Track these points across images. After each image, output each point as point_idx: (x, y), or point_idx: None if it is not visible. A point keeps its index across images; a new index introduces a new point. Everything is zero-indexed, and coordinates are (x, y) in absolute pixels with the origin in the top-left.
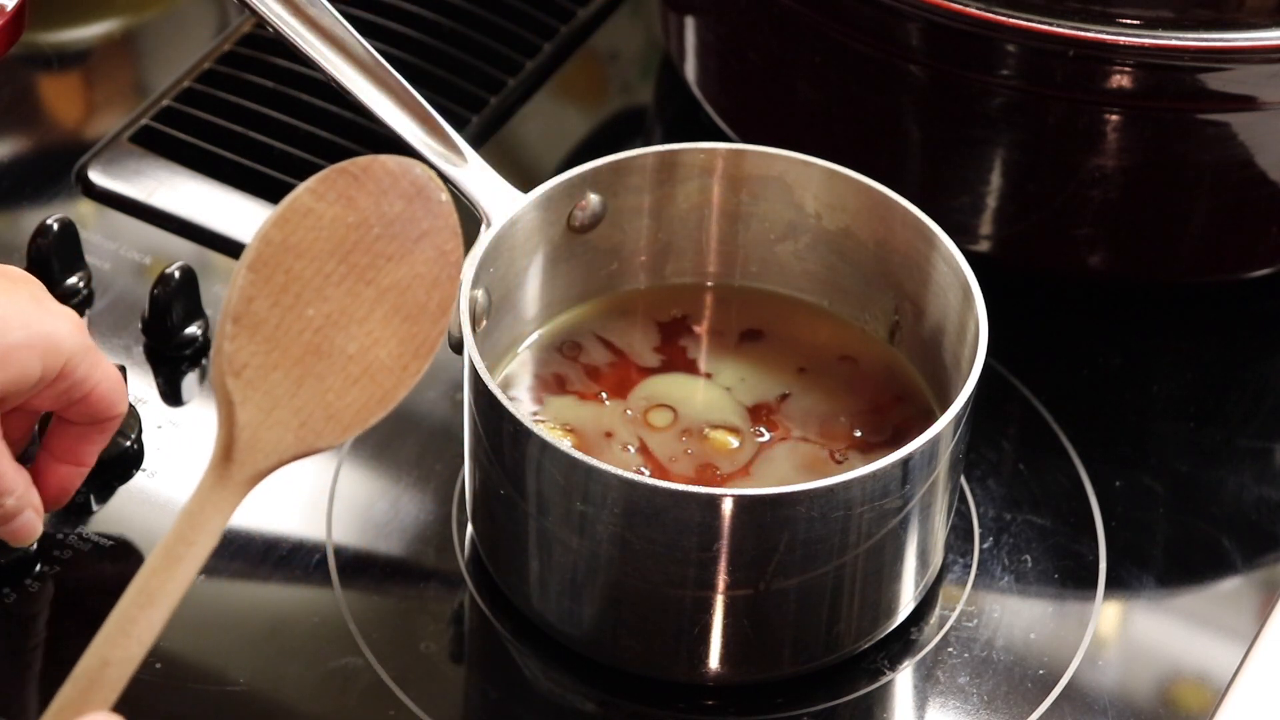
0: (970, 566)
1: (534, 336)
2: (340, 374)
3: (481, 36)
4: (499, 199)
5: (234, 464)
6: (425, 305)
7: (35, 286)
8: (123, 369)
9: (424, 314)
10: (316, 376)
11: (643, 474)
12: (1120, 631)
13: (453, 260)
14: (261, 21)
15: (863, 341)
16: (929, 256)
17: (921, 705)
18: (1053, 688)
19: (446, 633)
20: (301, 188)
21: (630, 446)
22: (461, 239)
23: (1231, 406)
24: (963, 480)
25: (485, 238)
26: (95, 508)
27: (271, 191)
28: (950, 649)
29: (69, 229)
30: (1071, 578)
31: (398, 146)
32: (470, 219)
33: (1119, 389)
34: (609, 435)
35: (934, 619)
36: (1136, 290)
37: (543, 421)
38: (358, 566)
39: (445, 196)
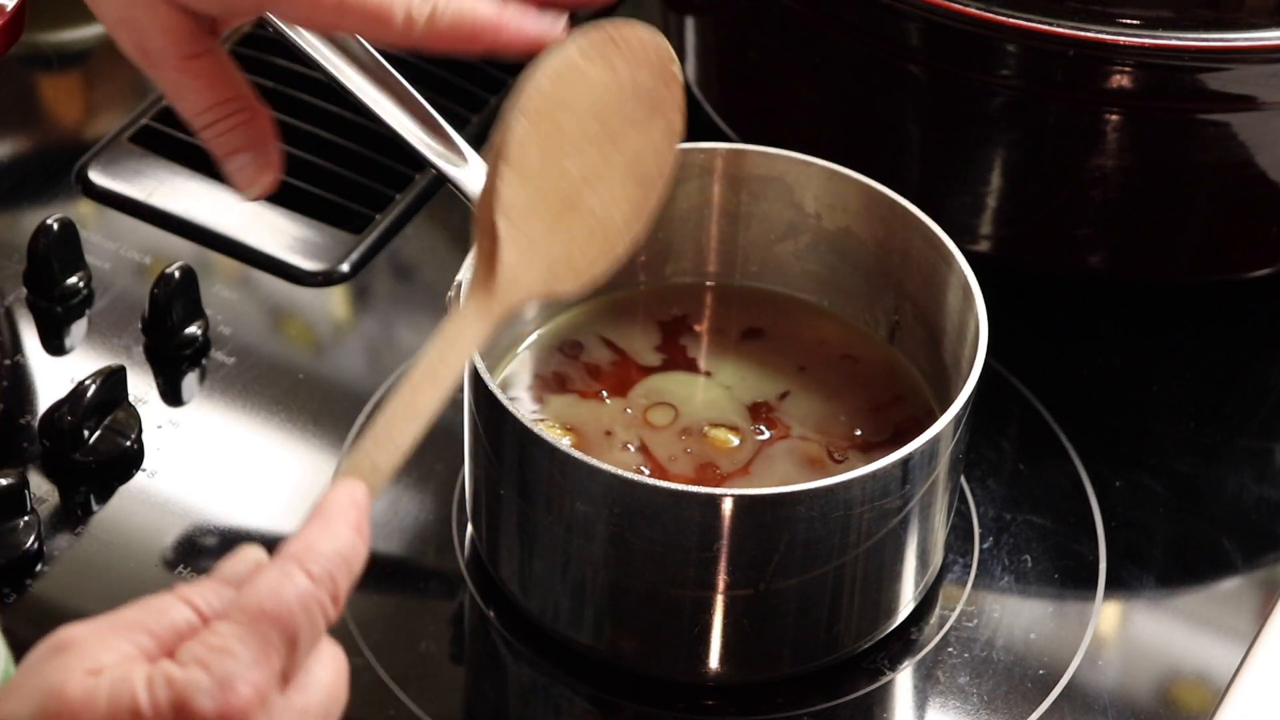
0: (970, 566)
1: (534, 336)
2: (583, 227)
3: None
4: None
5: (493, 298)
6: (654, 173)
7: None
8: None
9: (649, 181)
10: (566, 227)
11: (643, 473)
12: (1120, 631)
13: (676, 133)
14: (261, 21)
15: (863, 341)
16: (929, 256)
17: (921, 705)
18: (1053, 688)
19: (446, 633)
20: (571, 45)
21: (630, 445)
22: (686, 116)
23: (1231, 406)
24: (963, 480)
25: None
26: (95, 508)
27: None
28: (950, 649)
29: (69, 229)
30: (1071, 578)
31: (398, 146)
32: (470, 219)
33: (1119, 389)
34: (609, 434)
35: (934, 619)
36: (1136, 290)
37: (543, 421)
38: None
39: (679, 71)
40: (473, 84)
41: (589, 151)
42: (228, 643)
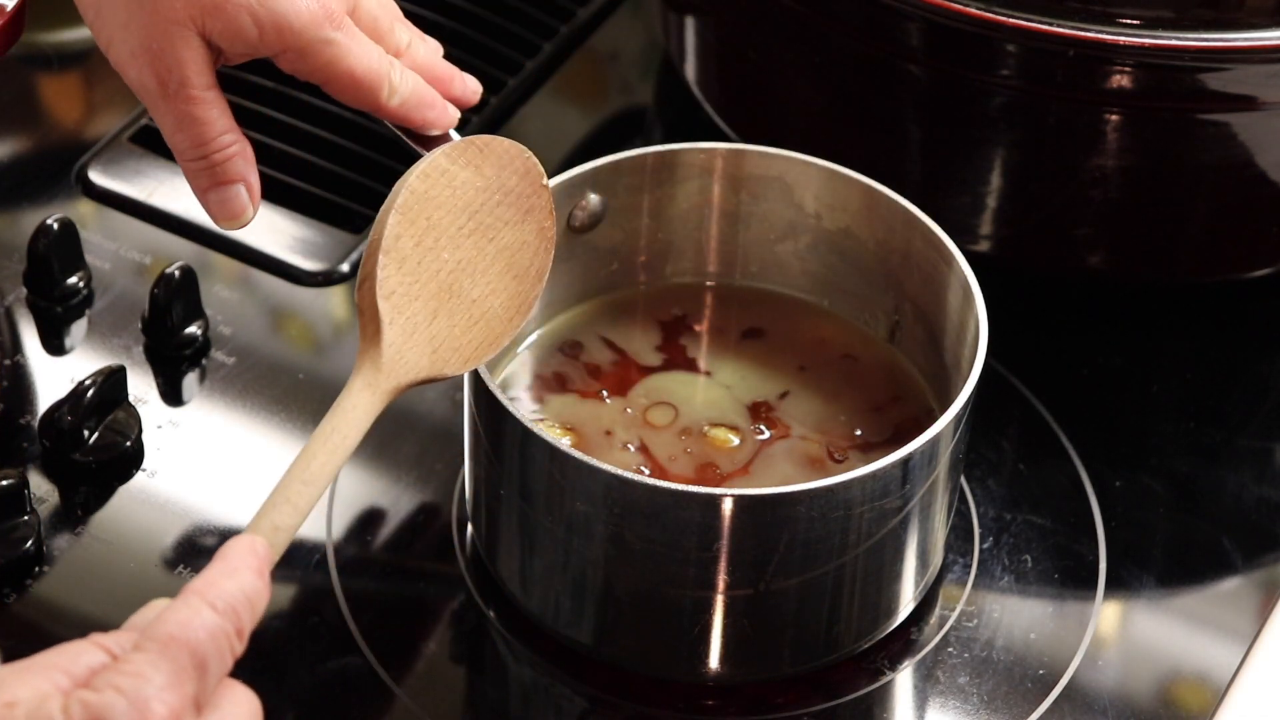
0: (970, 566)
1: (534, 336)
2: (465, 314)
3: (481, 36)
4: None
5: (381, 374)
6: (528, 269)
7: None
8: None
9: (527, 276)
10: (447, 312)
11: (643, 473)
12: (1120, 631)
13: (549, 237)
14: None
15: (863, 341)
16: (929, 256)
17: (921, 705)
18: (1053, 688)
19: (446, 633)
20: (438, 151)
21: (630, 445)
22: (555, 221)
23: (1231, 406)
24: (963, 480)
25: None
26: (95, 508)
27: (271, 192)
28: (950, 649)
29: (69, 229)
30: (1071, 578)
31: (398, 146)
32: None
33: (1119, 389)
34: (609, 434)
35: (934, 619)
36: (1136, 290)
37: (543, 420)
38: (358, 566)
39: (546, 181)
40: None
41: (463, 244)
42: (141, 668)
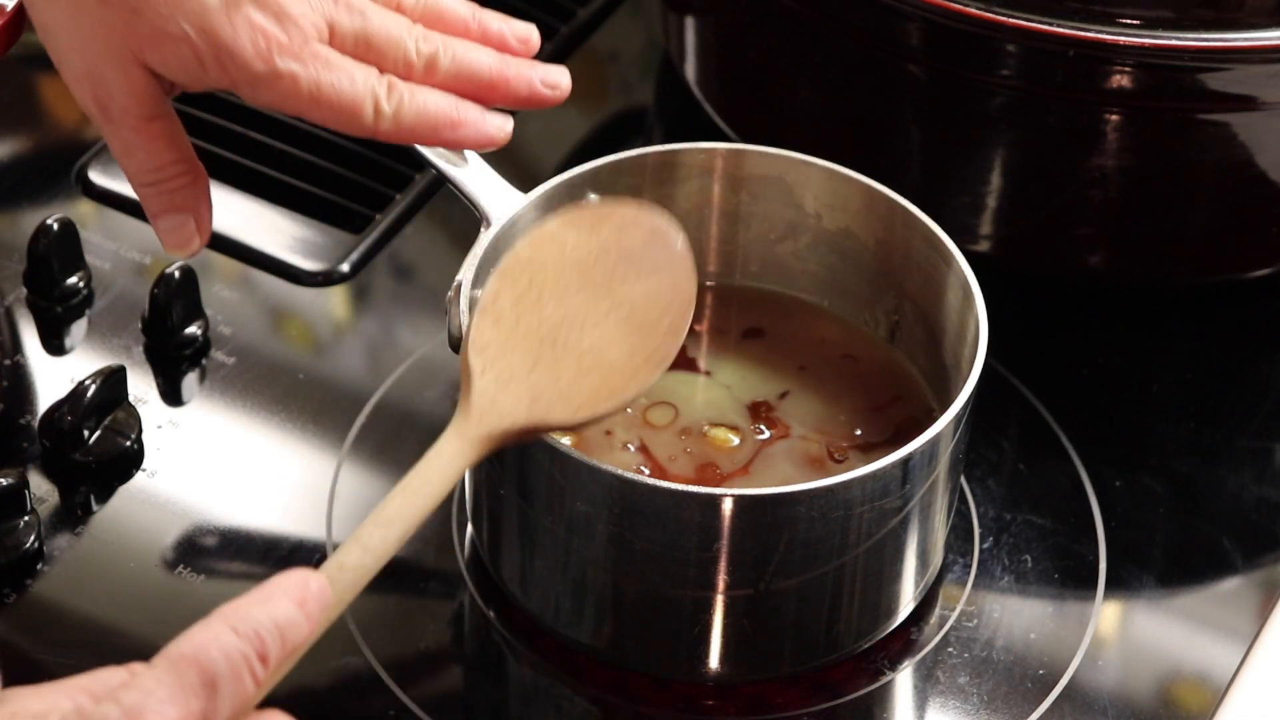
0: (970, 566)
1: None
2: (573, 364)
3: None
4: (499, 199)
5: (472, 422)
6: (657, 322)
7: None
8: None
9: (655, 329)
10: (550, 362)
11: (643, 473)
12: (1120, 631)
13: (685, 296)
14: None
15: (863, 341)
16: (929, 256)
17: (921, 705)
18: (1053, 688)
19: (446, 633)
20: (555, 218)
21: (630, 445)
22: (695, 279)
23: (1231, 406)
24: (963, 480)
25: (485, 238)
26: (95, 508)
27: (271, 192)
28: (950, 649)
29: (69, 229)
30: (1071, 578)
31: (398, 146)
32: (470, 219)
33: (1119, 389)
34: (609, 434)
35: (934, 619)
36: (1136, 290)
37: None
38: None
39: (681, 244)
40: None
41: (571, 298)
42: (145, 683)
